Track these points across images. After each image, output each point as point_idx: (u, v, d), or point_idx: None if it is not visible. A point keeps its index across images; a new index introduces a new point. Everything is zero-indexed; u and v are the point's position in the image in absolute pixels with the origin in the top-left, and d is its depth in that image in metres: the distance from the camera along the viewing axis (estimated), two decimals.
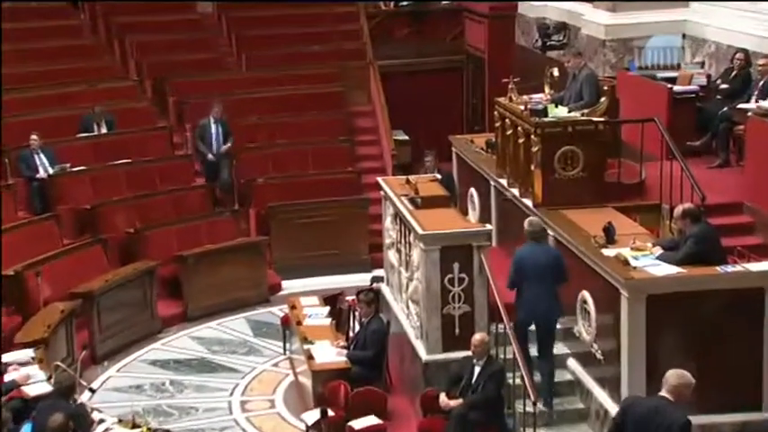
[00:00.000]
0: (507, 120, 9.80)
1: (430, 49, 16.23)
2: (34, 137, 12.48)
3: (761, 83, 10.57)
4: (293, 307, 10.29)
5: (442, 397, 8.01)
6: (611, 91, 9.87)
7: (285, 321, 10.61)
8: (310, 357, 9.04)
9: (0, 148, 12.60)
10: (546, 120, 9.10)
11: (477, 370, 7.96)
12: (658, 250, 7.85)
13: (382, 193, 10.11)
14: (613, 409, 7.40)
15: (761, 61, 10.73)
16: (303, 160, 13.84)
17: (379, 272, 10.96)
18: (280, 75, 15.08)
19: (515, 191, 9.50)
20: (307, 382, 9.15)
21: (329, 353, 9.09)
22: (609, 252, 7.91)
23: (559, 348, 8.50)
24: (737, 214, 9.56)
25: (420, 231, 8.54)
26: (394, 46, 16.28)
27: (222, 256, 11.98)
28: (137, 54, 15.31)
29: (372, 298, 9.24)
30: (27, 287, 10.46)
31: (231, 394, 9.89)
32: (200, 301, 11.80)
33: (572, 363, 8.43)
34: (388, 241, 9.95)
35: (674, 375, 5.90)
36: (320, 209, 13.07)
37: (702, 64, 12.38)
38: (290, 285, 12.53)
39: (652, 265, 7.63)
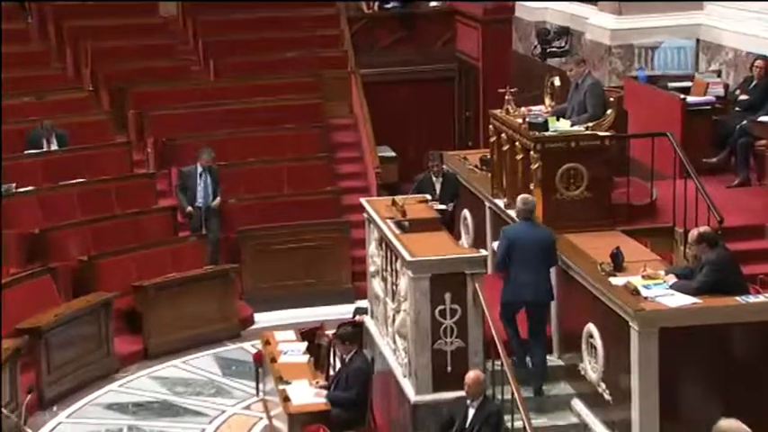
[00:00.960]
0: (504, 134, 9.85)
1: (418, 56, 16.31)
2: None
3: None
4: (267, 342, 10.28)
5: None
6: (619, 102, 9.94)
7: (258, 359, 10.58)
8: (286, 399, 9.01)
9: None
10: (546, 134, 9.15)
11: (471, 412, 7.95)
12: (672, 278, 7.88)
13: (366, 215, 10.13)
14: None
15: None
16: (277, 179, 13.86)
17: (363, 303, 10.96)
18: (251, 84, 15.11)
19: (513, 212, 9.54)
20: (282, 426, 9.12)
21: (307, 394, 9.07)
22: (617, 281, 7.94)
23: (563, 388, 8.51)
24: (759, 238, 9.61)
25: (408, 258, 8.56)
26: (378, 53, 16.35)
27: (187, 286, 11.96)
28: (92, 61, 15.30)
29: (350, 334, 9.22)
30: None
31: None
32: (163, 337, 11.76)
33: (577, 404, 8.44)
34: (372, 269, 9.96)
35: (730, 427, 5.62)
36: (297, 233, 13.08)
37: (719, 72, 12.48)
38: (263, 318, 12.50)
39: (665, 294, 7.66)
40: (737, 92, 11.39)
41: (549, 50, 15.29)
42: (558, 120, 9.43)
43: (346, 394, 8.97)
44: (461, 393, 8.04)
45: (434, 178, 10.98)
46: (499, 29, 15.45)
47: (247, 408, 10.46)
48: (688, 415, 7.41)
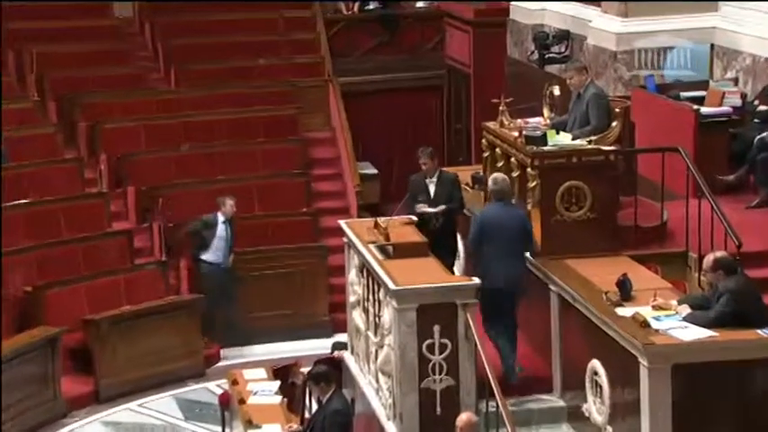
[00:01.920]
0: (498, 149, 9.88)
1: (402, 62, 16.40)
2: None
3: None
4: (235, 382, 10.25)
5: None
6: (625, 113, 9.98)
7: (224, 400, 10.54)
8: None
9: None
10: (545, 149, 9.18)
11: None
12: (685, 309, 7.90)
13: (345, 239, 10.13)
14: None
15: None
16: (247, 199, 13.86)
17: (342, 337, 10.95)
18: (217, 94, 15.16)
19: None
20: None
21: None
22: (624, 311, 7.95)
23: (565, 431, 8.50)
24: None
25: (392, 286, 8.55)
26: (359, 59, 16.43)
27: (145, 319, 11.96)
28: (37, 68, 15.31)
29: (325, 374, 9.03)
30: None
31: None
32: (117, 377, 11.74)
33: None
34: (352, 299, 9.96)
35: None
36: (269, 259, 13.10)
37: (736, 80, 12.56)
38: (230, 355, 12.51)
39: (678, 327, 7.67)
40: (756, 102, 11.47)
41: (547, 56, 15.35)
42: (557, 133, 9.47)
43: None
44: None
45: (427, 178, 10.15)
46: (492, 32, 15.54)
47: None
48: None
